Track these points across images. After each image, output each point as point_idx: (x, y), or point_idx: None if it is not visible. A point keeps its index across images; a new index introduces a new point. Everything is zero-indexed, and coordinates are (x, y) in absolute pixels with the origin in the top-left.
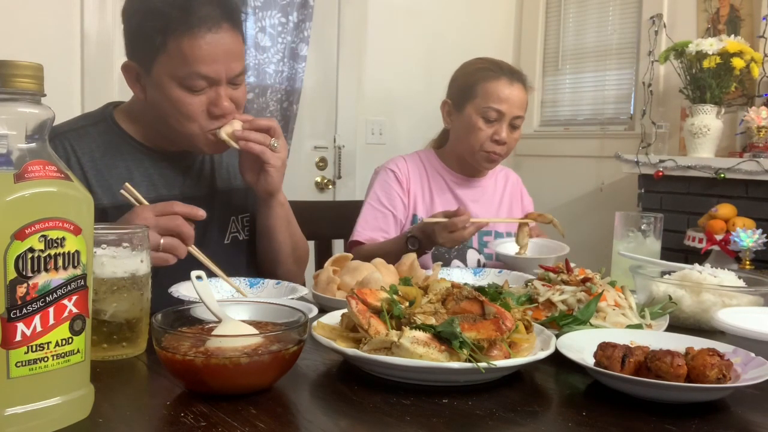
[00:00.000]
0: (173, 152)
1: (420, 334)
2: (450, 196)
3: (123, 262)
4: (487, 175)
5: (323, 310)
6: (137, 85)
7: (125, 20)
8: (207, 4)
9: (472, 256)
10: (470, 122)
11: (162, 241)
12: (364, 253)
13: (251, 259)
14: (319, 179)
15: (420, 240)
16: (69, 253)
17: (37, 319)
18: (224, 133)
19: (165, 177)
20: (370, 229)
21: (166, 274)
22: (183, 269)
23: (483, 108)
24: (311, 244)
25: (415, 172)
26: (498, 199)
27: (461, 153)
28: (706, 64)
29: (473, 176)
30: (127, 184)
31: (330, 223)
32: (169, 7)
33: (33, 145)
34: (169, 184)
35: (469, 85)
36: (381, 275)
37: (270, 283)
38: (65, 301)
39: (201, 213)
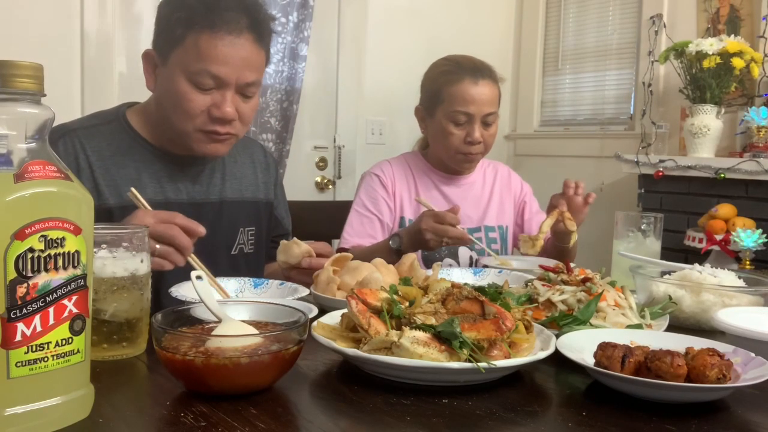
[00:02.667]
0: (184, 157)
1: (420, 334)
2: (437, 193)
3: (123, 262)
4: (474, 170)
5: (323, 310)
6: (152, 75)
7: (157, 9)
8: (235, 9)
9: (464, 253)
10: (441, 127)
11: (158, 247)
12: None
13: (256, 272)
14: (319, 179)
15: (401, 237)
16: (69, 253)
17: (37, 319)
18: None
19: (174, 180)
20: (357, 235)
21: (166, 275)
22: (183, 270)
23: (450, 112)
24: None
25: (401, 175)
26: (487, 194)
27: (440, 157)
28: (706, 64)
29: (459, 174)
30: (132, 188)
31: (330, 223)
32: (198, 3)
33: (33, 145)
34: (177, 188)
35: (435, 90)
36: (381, 275)
37: (274, 283)
38: (65, 301)
39: (201, 230)
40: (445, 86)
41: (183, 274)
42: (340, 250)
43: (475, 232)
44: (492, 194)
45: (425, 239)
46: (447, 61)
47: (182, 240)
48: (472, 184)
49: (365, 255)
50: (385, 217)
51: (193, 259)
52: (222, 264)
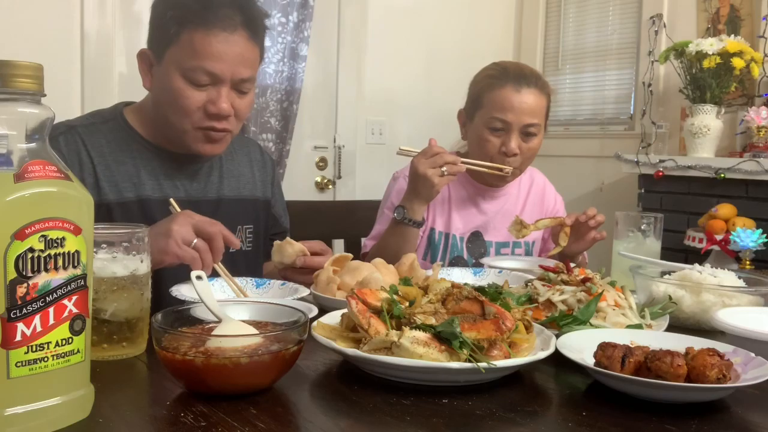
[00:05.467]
0: (181, 155)
1: (420, 334)
2: (473, 210)
3: (123, 261)
4: (513, 181)
5: (323, 310)
6: (148, 74)
7: (151, 8)
8: (229, 6)
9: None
10: (478, 134)
11: (195, 240)
12: (371, 258)
13: (255, 270)
14: (319, 179)
15: (403, 205)
16: (69, 253)
17: (37, 319)
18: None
19: (171, 178)
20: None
21: (166, 274)
22: (184, 270)
23: (488, 119)
24: None
25: None
26: (521, 205)
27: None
28: (706, 64)
29: (496, 185)
30: (171, 199)
31: (330, 223)
32: (192, 1)
33: (33, 145)
34: (175, 185)
35: (477, 94)
36: (381, 275)
37: (275, 283)
38: (65, 301)
39: (237, 243)
40: (486, 91)
41: (183, 274)
42: (365, 254)
43: (503, 247)
44: (524, 208)
45: (428, 177)
46: (495, 66)
47: (220, 243)
48: (507, 197)
49: (379, 247)
50: None
51: (220, 267)
52: (221, 261)
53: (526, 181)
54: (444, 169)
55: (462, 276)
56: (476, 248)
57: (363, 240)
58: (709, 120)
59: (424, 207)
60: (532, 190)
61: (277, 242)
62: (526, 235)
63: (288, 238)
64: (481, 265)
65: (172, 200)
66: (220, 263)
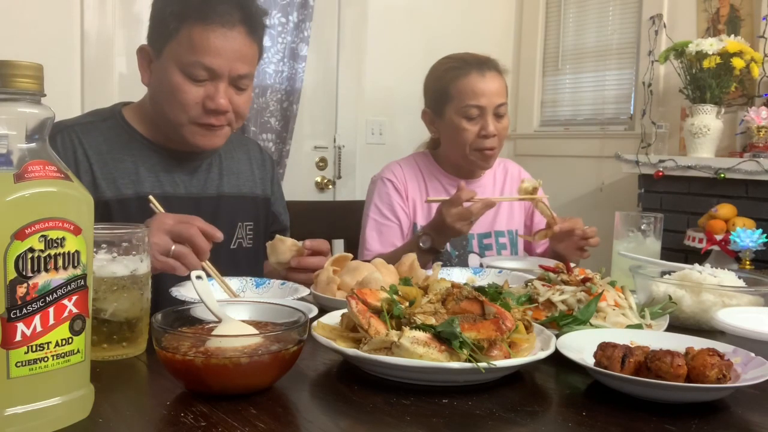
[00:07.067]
0: (181, 152)
1: (420, 334)
2: (447, 198)
3: (123, 261)
4: (485, 173)
5: (323, 310)
6: (147, 70)
7: (152, 4)
8: (228, 3)
9: (474, 261)
10: (454, 125)
11: (173, 247)
12: None
13: (255, 266)
14: (319, 179)
15: (431, 236)
16: (69, 253)
17: (37, 319)
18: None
19: (171, 175)
20: (380, 244)
21: (166, 275)
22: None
23: (462, 108)
24: None
25: (412, 178)
26: (498, 194)
27: (455, 158)
28: (706, 64)
29: (471, 177)
30: (151, 196)
31: (330, 223)
32: None
33: (33, 145)
34: (175, 182)
35: (442, 88)
36: (381, 275)
37: (275, 283)
38: (65, 301)
39: (219, 235)
40: (453, 82)
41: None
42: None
43: (485, 237)
44: (502, 195)
45: (457, 229)
46: (450, 59)
47: (201, 241)
48: (483, 188)
49: (392, 260)
50: (403, 222)
51: (209, 266)
52: (222, 258)
53: (501, 172)
54: (473, 219)
55: (462, 276)
56: (458, 240)
57: (364, 249)
58: (709, 120)
59: (449, 240)
60: (507, 181)
61: (268, 243)
62: (541, 210)
63: (278, 236)
64: (465, 262)
65: (151, 197)
66: (209, 263)
